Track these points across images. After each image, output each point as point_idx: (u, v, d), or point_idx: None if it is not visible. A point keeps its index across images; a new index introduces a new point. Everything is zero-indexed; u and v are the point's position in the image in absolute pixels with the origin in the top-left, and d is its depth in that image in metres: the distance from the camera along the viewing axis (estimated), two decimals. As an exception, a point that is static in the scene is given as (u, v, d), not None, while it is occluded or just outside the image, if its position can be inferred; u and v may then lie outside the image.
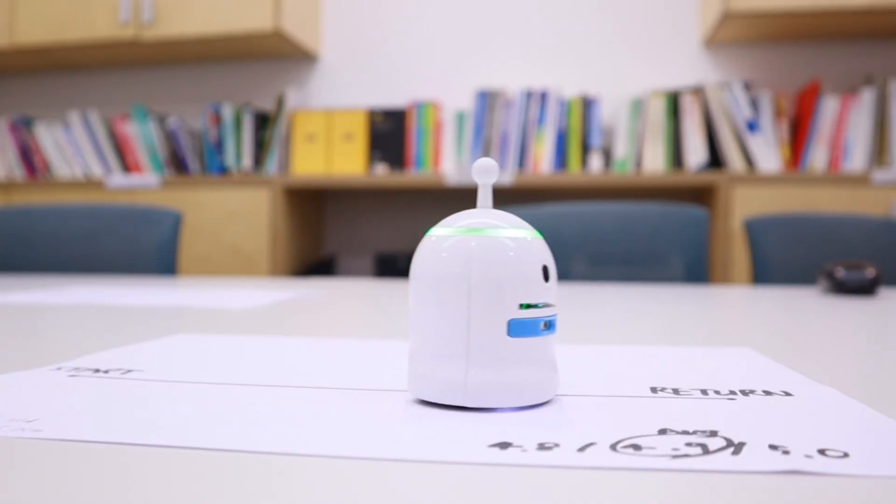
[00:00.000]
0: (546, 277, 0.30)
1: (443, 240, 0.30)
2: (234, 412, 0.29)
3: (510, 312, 0.29)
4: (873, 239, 1.23)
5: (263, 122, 2.21)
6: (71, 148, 2.26)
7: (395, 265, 2.12)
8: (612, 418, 0.28)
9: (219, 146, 2.22)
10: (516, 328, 0.29)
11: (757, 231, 1.25)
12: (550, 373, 0.30)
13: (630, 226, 1.25)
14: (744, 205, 1.84)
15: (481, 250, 0.29)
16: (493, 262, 0.29)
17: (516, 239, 0.30)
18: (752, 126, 1.91)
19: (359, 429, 0.26)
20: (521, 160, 2.04)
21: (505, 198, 2.21)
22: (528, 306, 0.29)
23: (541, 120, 2.04)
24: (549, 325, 0.30)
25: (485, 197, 0.32)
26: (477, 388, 0.29)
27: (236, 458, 0.23)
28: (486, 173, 0.31)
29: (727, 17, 1.89)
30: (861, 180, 1.82)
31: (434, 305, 0.30)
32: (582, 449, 0.24)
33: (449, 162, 2.10)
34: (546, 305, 0.30)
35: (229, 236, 2.09)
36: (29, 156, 2.30)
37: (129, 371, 0.37)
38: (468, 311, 0.29)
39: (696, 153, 1.95)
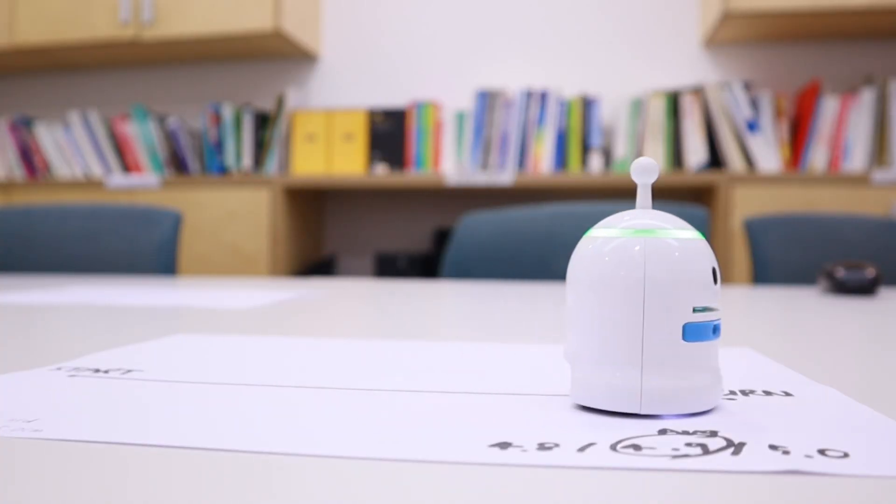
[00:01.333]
0: (715, 280, 0.29)
1: (607, 241, 0.29)
2: (233, 412, 0.29)
3: (685, 316, 0.28)
4: (873, 239, 1.23)
5: (263, 122, 2.21)
6: (71, 148, 2.26)
7: (395, 265, 2.12)
8: (613, 418, 0.28)
9: (219, 146, 2.22)
10: (691, 332, 0.28)
11: (757, 231, 1.25)
12: (718, 378, 0.29)
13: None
14: (744, 205, 1.84)
15: (654, 252, 0.28)
16: (668, 264, 0.28)
17: (684, 240, 0.29)
18: (752, 126, 1.91)
19: (358, 429, 0.26)
20: (521, 160, 2.04)
21: (505, 198, 2.21)
22: (699, 310, 0.28)
23: (541, 120, 2.04)
24: (716, 330, 0.29)
25: (644, 197, 0.31)
26: (652, 395, 0.27)
27: (236, 458, 0.23)
28: (646, 173, 0.30)
29: (727, 17, 1.89)
30: (861, 180, 1.82)
31: (599, 308, 0.28)
32: (582, 449, 0.24)
33: (449, 162, 2.10)
34: (711, 309, 0.29)
35: (229, 236, 2.09)
36: (29, 156, 2.30)
37: (129, 371, 0.37)
38: (642, 315, 0.28)
39: (696, 153, 1.95)
